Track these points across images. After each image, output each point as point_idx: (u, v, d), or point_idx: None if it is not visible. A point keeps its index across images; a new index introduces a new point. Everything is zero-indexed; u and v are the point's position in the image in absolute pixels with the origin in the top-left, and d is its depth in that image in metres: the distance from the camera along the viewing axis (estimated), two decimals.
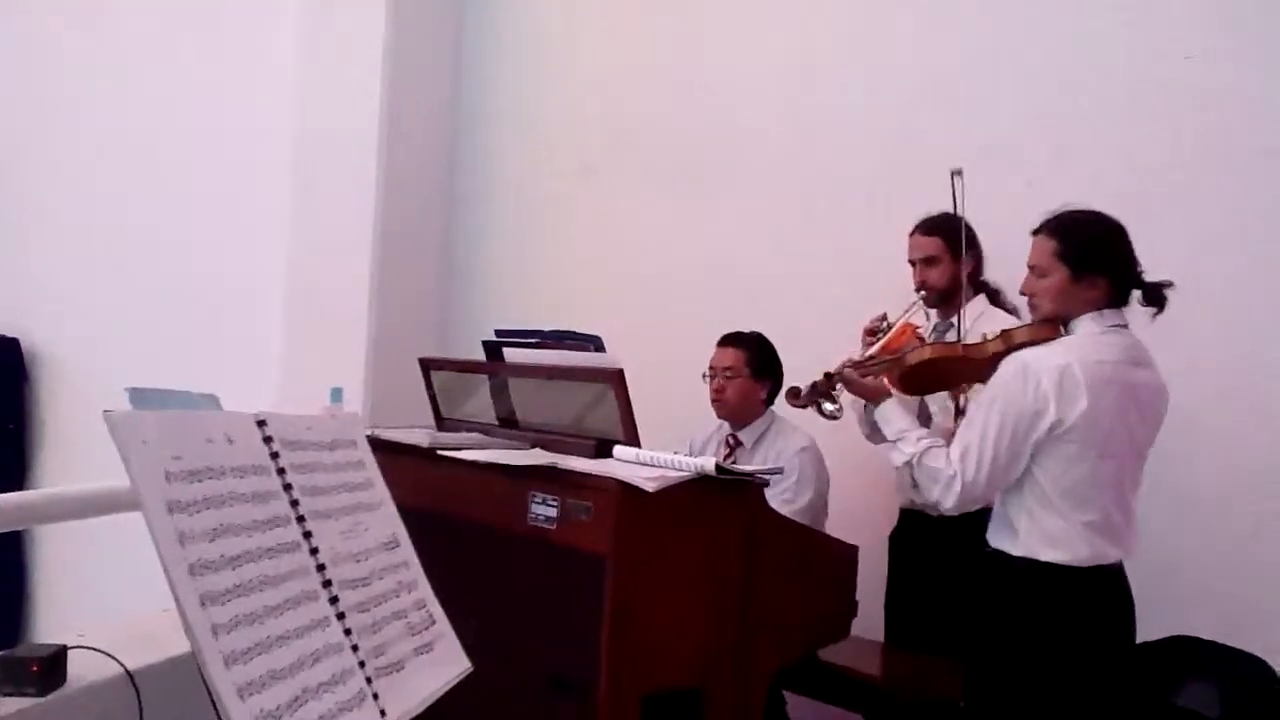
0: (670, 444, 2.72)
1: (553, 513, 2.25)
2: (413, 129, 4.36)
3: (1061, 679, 2.20)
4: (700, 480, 2.21)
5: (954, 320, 2.91)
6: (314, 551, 1.19)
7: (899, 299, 2.93)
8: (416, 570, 1.39)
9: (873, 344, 2.74)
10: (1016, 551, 2.26)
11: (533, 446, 2.54)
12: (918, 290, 2.96)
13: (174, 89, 4.95)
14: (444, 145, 4.58)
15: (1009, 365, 2.23)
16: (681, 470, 2.21)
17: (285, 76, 4.43)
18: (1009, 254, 2.80)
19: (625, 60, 4.28)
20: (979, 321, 2.85)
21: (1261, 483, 2.90)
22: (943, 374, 2.49)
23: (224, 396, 2.30)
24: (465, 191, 4.63)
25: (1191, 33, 3.03)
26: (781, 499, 2.93)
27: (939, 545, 3.00)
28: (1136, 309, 2.28)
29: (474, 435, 2.72)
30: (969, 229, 2.93)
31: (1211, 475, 2.94)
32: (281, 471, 1.20)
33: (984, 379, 2.37)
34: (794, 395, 2.77)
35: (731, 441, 3.22)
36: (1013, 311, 2.90)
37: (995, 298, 3.01)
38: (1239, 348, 2.92)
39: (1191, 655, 2.68)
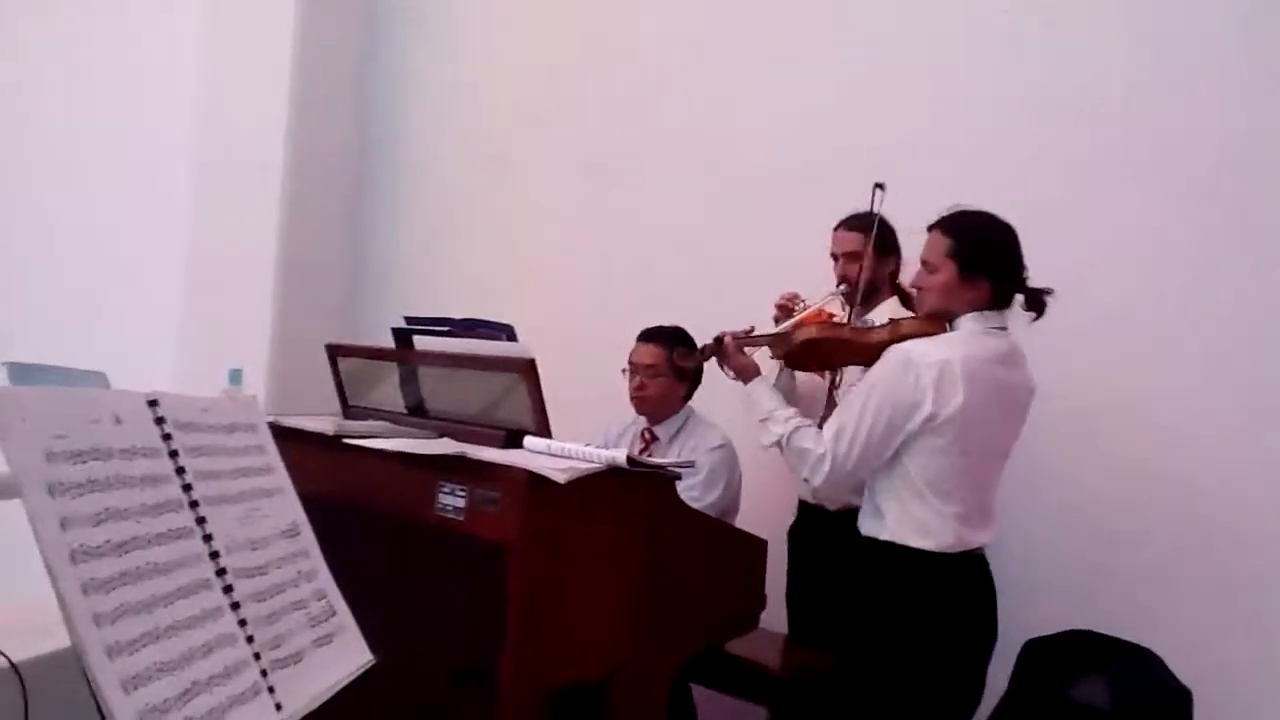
0: (584, 436, 2.69)
1: (461, 503, 2.20)
2: (321, 111, 4.27)
3: (930, 661, 2.25)
4: (611, 472, 2.19)
5: (868, 318, 2.96)
6: (208, 538, 1.13)
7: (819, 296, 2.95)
8: (317, 559, 1.34)
9: (783, 319, 2.77)
10: (884, 536, 2.31)
11: (441, 436, 2.49)
12: (839, 285, 2.99)
13: (76, 64, 4.75)
14: (354, 129, 4.49)
15: (893, 355, 2.28)
16: (592, 462, 2.19)
17: (190, 52, 4.29)
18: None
19: (545, 50, 4.22)
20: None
21: (1146, 486, 2.99)
22: (827, 354, 2.53)
23: (118, 378, 2.20)
24: (377, 176, 4.53)
25: (1098, 42, 3.11)
26: (689, 496, 2.91)
27: (838, 539, 3.02)
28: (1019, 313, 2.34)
29: (381, 424, 2.65)
30: (892, 232, 2.99)
31: (1102, 480, 3.02)
32: (174, 454, 1.13)
33: (866, 363, 2.41)
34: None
35: (648, 436, 3.21)
36: None
37: (909, 301, 3.04)
38: (1128, 357, 3.00)
39: (1085, 649, 2.75)
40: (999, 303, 2.32)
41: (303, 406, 2.90)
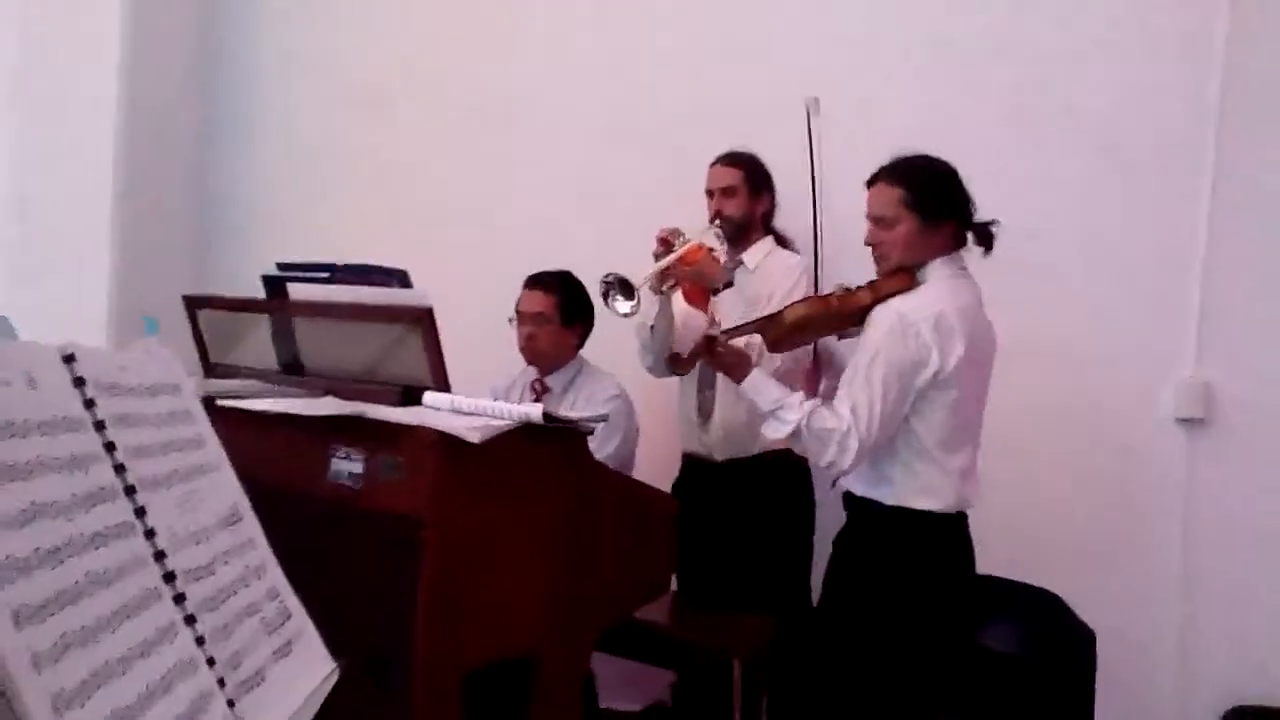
0: (470, 393, 2.47)
1: (358, 469, 1.96)
2: (159, 50, 3.78)
3: (927, 620, 2.21)
4: (522, 430, 1.97)
5: (742, 257, 2.94)
6: (150, 534, 0.84)
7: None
8: (264, 550, 1.06)
9: (664, 254, 2.66)
10: (890, 501, 2.22)
11: (325, 395, 2.20)
12: (712, 221, 2.92)
13: None
14: (196, 66, 4.00)
15: (884, 317, 2.16)
16: (504, 418, 1.97)
17: None
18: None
19: None
20: (767, 260, 2.92)
21: (1053, 426, 3.00)
22: (812, 329, 2.38)
23: None
24: (227, 119, 4.06)
25: None
26: None
27: (724, 493, 2.96)
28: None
29: (252, 383, 2.34)
30: (766, 171, 2.97)
31: (1006, 419, 3.02)
32: (100, 426, 0.84)
33: (850, 331, 2.32)
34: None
35: (538, 387, 3.00)
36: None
37: (783, 242, 3.02)
38: (1036, 299, 2.99)
39: (991, 594, 2.74)
40: (958, 243, 2.25)
41: None
